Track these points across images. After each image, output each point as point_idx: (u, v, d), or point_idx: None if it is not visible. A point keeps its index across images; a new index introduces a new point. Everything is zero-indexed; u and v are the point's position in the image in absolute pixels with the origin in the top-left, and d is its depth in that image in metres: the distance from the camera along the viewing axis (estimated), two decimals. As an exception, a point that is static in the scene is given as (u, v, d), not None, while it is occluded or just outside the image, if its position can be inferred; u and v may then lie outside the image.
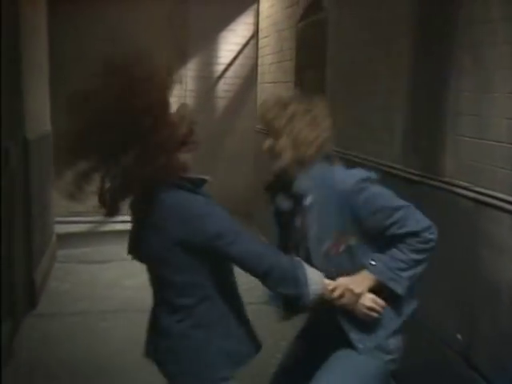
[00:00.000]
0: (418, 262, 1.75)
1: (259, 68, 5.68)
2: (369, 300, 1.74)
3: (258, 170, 5.74)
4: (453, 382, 2.28)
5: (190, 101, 7.36)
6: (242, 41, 7.40)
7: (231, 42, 7.38)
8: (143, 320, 2.14)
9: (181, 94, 7.34)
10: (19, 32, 3.90)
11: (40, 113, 4.79)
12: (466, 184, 2.16)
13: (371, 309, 1.75)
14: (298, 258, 1.70)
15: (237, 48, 7.40)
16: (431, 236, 1.75)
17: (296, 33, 4.35)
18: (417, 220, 1.76)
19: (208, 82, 7.37)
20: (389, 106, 2.86)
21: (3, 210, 3.27)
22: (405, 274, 1.75)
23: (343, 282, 1.74)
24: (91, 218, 6.60)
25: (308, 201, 1.80)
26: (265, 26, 5.47)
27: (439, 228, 1.70)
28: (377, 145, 2.99)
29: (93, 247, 5.67)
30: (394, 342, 1.84)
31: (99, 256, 5.35)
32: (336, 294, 1.72)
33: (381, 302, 1.75)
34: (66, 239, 5.64)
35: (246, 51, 7.43)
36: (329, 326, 1.90)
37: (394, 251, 1.76)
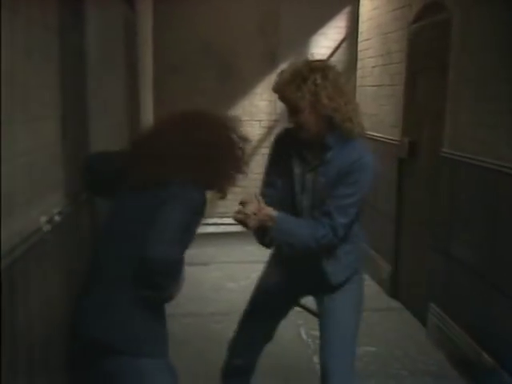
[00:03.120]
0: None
1: (359, 71, 5.60)
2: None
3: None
4: None
5: (280, 105, 7.36)
6: (333, 44, 7.36)
7: (322, 45, 7.35)
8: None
9: (271, 98, 7.37)
10: (137, 41, 4.01)
11: (148, 119, 4.91)
12: None
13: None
14: None
15: (327, 52, 7.36)
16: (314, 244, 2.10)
17: (408, 35, 4.25)
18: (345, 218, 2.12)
19: (298, 85, 7.35)
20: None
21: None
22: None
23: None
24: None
25: (329, 156, 2.14)
26: (365, 28, 5.40)
27: None
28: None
29: (191, 249, 5.74)
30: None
31: (199, 258, 5.42)
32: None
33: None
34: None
35: (336, 55, 7.38)
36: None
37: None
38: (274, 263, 2.46)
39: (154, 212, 1.64)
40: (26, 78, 1.42)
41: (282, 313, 2.50)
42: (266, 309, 2.44)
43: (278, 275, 2.41)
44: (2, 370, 1.19)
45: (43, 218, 1.43)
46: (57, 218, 1.54)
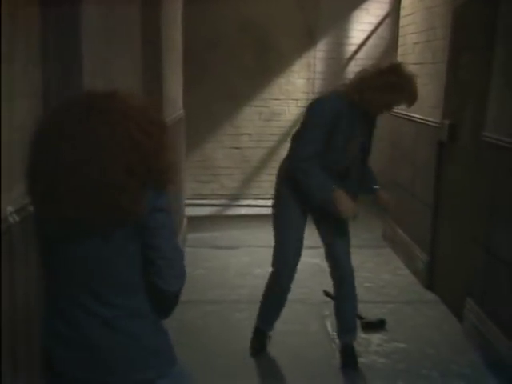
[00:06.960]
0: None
1: (400, 48, 5.26)
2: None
3: (392, 155, 5.38)
4: None
5: (318, 83, 7.10)
6: (376, 20, 7.00)
7: (364, 21, 6.99)
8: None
9: (309, 76, 7.10)
10: (160, 17, 3.82)
11: (175, 96, 4.74)
12: None
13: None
14: None
15: (369, 28, 7.00)
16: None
17: (453, 9, 3.92)
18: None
19: (338, 63, 7.04)
20: None
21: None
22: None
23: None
24: (215, 201, 6.61)
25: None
26: (409, 2, 5.04)
27: None
28: None
29: (220, 231, 5.60)
30: None
31: (228, 241, 5.27)
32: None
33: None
34: (195, 222, 5.61)
35: (379, 31, 7.02)
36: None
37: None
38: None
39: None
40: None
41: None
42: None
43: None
44: None
45: (10, 208, 1.28)
46: (31, 207, 1.38)
